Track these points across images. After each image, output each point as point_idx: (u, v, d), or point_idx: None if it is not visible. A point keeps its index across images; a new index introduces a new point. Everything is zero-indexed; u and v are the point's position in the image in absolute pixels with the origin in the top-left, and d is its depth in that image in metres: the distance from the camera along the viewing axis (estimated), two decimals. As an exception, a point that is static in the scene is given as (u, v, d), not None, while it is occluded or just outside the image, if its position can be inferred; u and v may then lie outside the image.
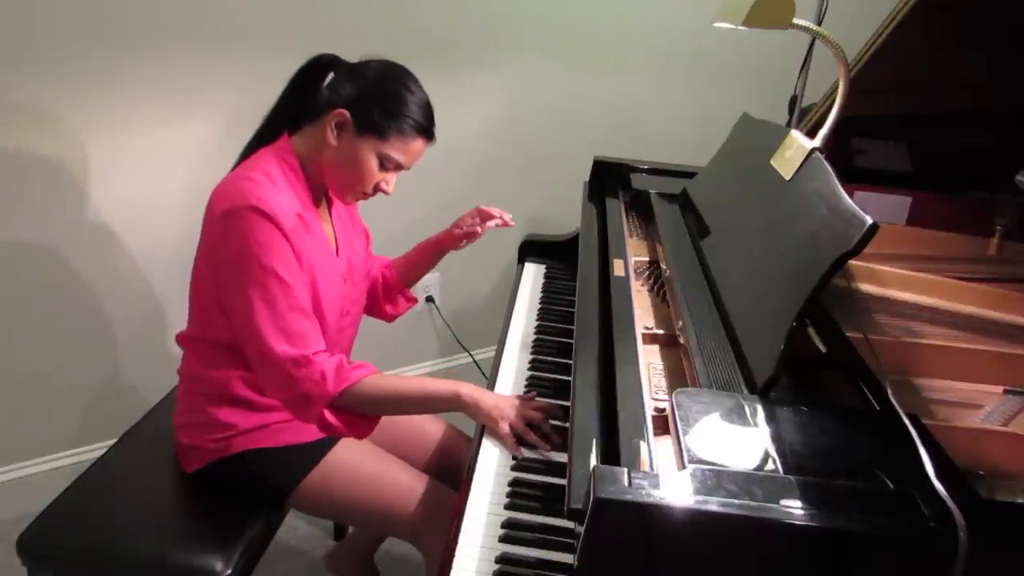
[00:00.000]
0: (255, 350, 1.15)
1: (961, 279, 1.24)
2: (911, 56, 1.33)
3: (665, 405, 0.93)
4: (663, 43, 2.47)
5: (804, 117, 1.63)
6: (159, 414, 1.49)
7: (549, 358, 1.40)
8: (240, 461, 1.27)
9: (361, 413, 1.22)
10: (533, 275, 1.76)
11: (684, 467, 0.74)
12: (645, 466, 0.83)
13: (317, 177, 1.26)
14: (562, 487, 0.92)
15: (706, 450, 0.77)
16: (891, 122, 1.55)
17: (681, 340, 1.07)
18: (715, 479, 0.72)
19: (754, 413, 0.84)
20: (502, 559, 0.95)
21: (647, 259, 1.47)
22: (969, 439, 0.88)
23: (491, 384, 1.32)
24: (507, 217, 1.52)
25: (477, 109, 2.27)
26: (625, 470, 0.72)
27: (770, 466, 0.76)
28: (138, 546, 1.21)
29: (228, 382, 1.25)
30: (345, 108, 1.19)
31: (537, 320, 1.54)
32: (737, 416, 0.83)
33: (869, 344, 1.00)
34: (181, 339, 1.32)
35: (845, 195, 0.94)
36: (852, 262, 1.19)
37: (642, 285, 1.36)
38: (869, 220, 0.84)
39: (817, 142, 1.14)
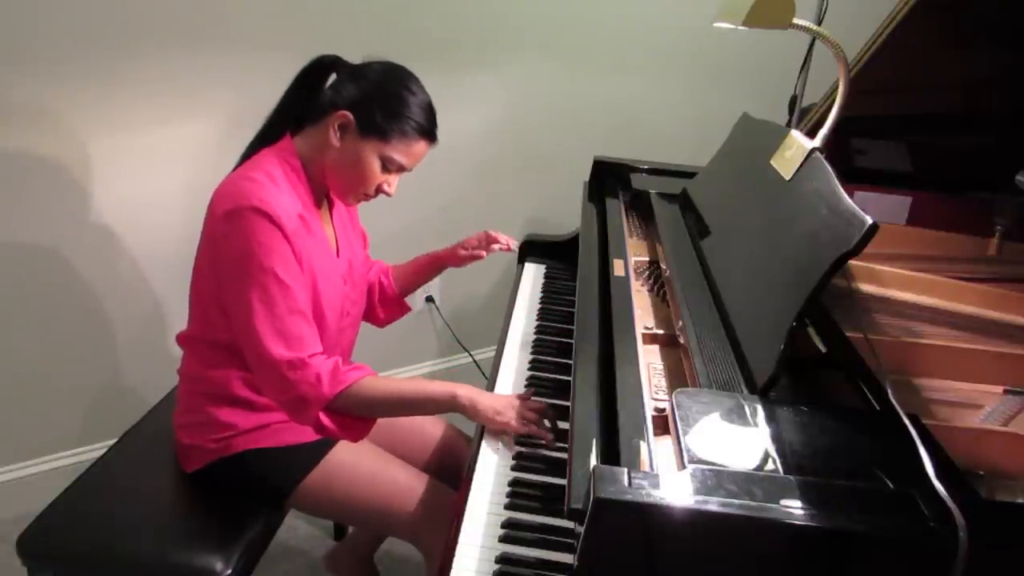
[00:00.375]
0: (252, 351, 1.15)
1: (961, 279, 1.24)
2: (911, 56, 1.33)
3: (665, 405, 0.93)
4: (663, 43, 2.47)
5: (804, 117, 1.63)
6: (159, 414, 1.49)
7: (549, 358, 1.40)
8: (240, 461, 1.27)
9: (357, 415, 1.22)
10: (533, 275, 1.76)
11: (684, 467, 0.74)
12: (645, 466, 0.83)
13: (319, 178, 1.26)
14: (562, 487, 0.92)
15: (706, 450, 0.77)
16: (891, 122, 1.55)
17: (681, 340, 1.07)
18: (715, 479, 0.72)
19: (754, 413, 0.84)
20: (502, 559, 0.95)
21: (647, 259, 1.47)
22: (969, 439, 0.88)
23: (491, 384, 1.32)
24: (513, 244, 1.55)
25: (477, 109, 2.27)
26: (625, 470, 0.72)
27: (770, 466, 0.76)
28: (138, 546, 1.21)
29: (228, 382, 1.25)
30: (347, 109, 1.19)
31: (537, 320, 1.54)
32: (737, 416, 0.83)
33: (869, 344, 1.00)
34: (181, 339, 1.32)
35: (845, 195, 0.94)
36: (852, 262, 1.19)
37: (642, 285, 1.36)
38: (869, 220, 0.84)
39: (817, 142, 1.14)
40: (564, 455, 1.10)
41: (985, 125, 1.50)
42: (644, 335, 1.15)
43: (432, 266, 1.56)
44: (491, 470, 1.10)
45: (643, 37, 2.42)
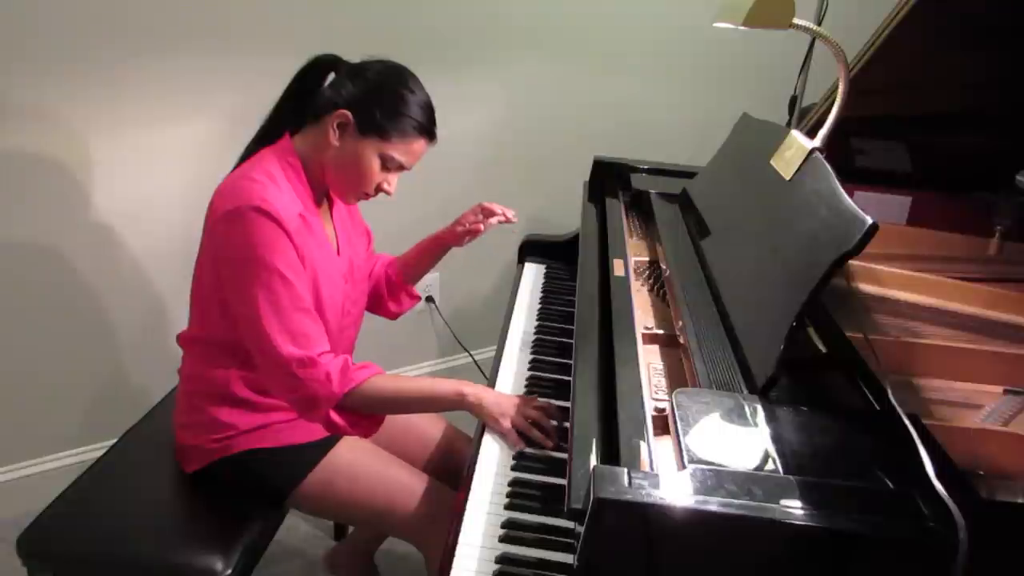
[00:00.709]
0: (260, 351, 1.15)
1: (961, 279, 1.24)
2: (911, 56, 1.33)
3: (665, 405, 0.93)
4: (663, 43, 2.47)
5: (804, 117, 1.63)
6: (159, 414, 1.49)
7: (549, 358, 1.40)
8: (240, 461, 1.27)
9: (366, 413, 1.22)
10: (533, 275, 1.76)
11: (684, 467, 0.74)
12: (645, 466, 0.83)
13: (319, 177, 1.26)
14: (562, 487, 0.92)
15: (706, 450, 0.77)
16: (891, 122, 1.55)
17: (681, 340, 1.07)
18: (715, 479, 0.72)
19: (754, 413, 0.84)
20: (502, 559, 0.95)
21: (647, 259, 1.47)
22: (969, 439, 0.88)
23: (491, 384, 1.32)
24: (510, 213, 1.51)
25: (478, 109, 2.27)
26: (625, 470, 0.72)
27: (770, 466, 0.76)
28: (138, 546, 1.21)
29: (228, 382, 1.25)
30: (347, 109, 1.19)
31: (537, 320, 1.54)
32: (737, 416, 0.83)
33: (869, 344, 1.00)
34: (182, 339, 1.32)
35: (845, 195, 0.94)
36: (852, 262, 1.19)
37: (642, 285, 1.36)
38: (869, 220, 0.84)
39: (817, 142, 1.14)
40: (564, 455, 1.10)
41: (985, 125, 1.50)
42: (644, 335, 1.15)
43: (433, 248, 1.55)
44: (491, 470, 1.10)
45: (643, 37, 2.42)
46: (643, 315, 1.22)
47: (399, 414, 1.36)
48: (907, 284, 1.25)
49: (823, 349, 1.03)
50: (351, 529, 1.78)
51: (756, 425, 0.82)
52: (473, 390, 1.20)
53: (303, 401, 1.16)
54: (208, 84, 1.82)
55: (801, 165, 1.10)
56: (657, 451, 0.85)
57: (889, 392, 0.85)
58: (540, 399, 1.22)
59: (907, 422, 0.78)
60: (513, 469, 1.11)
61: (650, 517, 0.70)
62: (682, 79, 2.56)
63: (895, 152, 1.61)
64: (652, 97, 2.54)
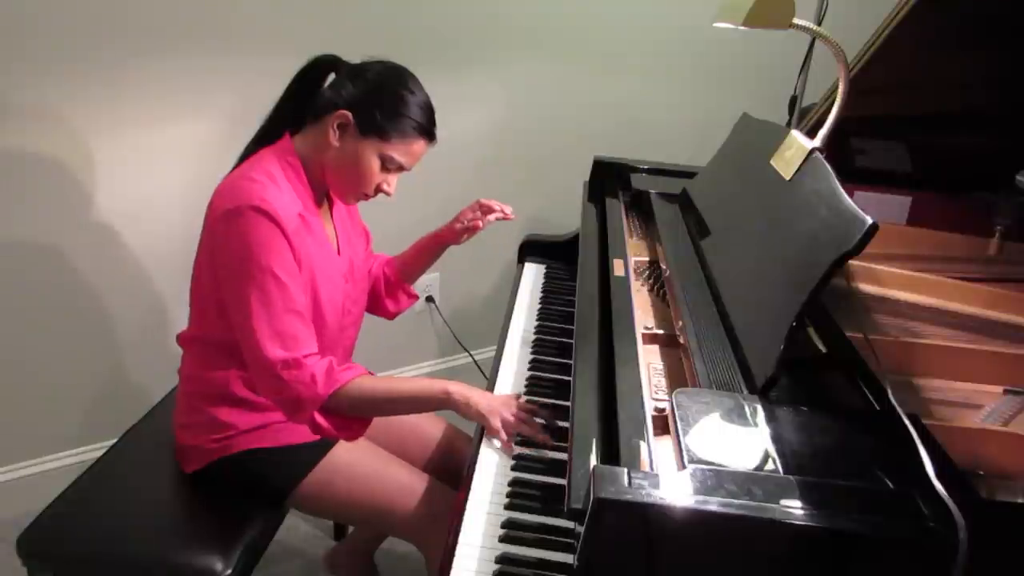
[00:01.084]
0: (249, 351, 1.15)
1: (961, 279, 1.24)
2: (911, 56, 1.33)
3: (665, 405, 0.93)
4: (663, 43, 2.47)
5: (804, 117, 1.63)
6: (159, 414, 1.49)
7: (549, 358, 1.40)
8: (240, 461, 1.27)
9: (353, 415, 1.22)
10: (533, 275, 1.76)
11: (684, 467, 0.74)
12: (645, 466, 0.83)
13: (318, 177, 1.26)
14: (562, 487, 0.92)
15: (706, 450, 0.77)
16: (891, 122, 1.55)
17: (681, 340, 1.07)
18: (715, 479, 0.72)
19: (754, 413, 0.84)
20: (502, 559, 0.95)
21: (647, 259, 1.47)
22: (969, 439, 0.88)
23: (491, 384, 1.32)
24: (508, 210, 1.50)
25: (477, 109, 2.27)
26: (625, 470, 0.72)
27: (770, 466, 0.76)
28: (138, 546, 1.21)
29: (228, 382, 1.25)
30: (347, 109, 1.19)
31: (537, 320, 1.54)
32: (737, 416, 0.83)
33: (869, 344, 1.00)
34: (181, 339, 1.33)
35: (845, 195, 0.94)
36: (852, 262, 1.19)
37: (642, 285, 1.36)
38: (869, 220, 0.84)
39: (817, 142, 1.14)
40: (564, 455, 1.10)
41: (985, 125, 1.50)
42: (644, 335, 1.15)
43: (432, 246, 1.54)
44: (491, 470, 1.10)
45: (643, 37, 2.42)
46: (643, 315, 1.22)
47: (386, 415, 1.36)
48: (907, 284, 1.25)
49: (823, 349, 1.03)
50: (351, 529, 1.78)
51: (756, 425, 0.82)
52: (459, 389, 1.20)
53: (288, 402, 1.16)
54: (208, 84, 1.82)
55: (801, 165, 1.10)
56: (657, 451, 0.85)
57: (889, 392, 0.85)
58: (529, 398, 1.22)
59: (907, 422, 0.78)
60: (513, 469, 1.11)
61: (650, 517, 0.70)
62: (682, 79, 2.56)
63: (895, 152, 1.61)
64: (652, 97, 2.54)
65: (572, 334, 1.28)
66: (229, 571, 1.18)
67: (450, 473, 1.40)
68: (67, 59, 1.63)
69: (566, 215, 2.05)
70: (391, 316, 1.59)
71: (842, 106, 1.18)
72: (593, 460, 0.91)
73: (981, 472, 0.86)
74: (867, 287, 1.25)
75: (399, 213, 1.92)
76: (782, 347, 0.86)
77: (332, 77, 1.26)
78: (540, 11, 2.23)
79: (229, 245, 1.14)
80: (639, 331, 1.15)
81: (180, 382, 1.35)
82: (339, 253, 1.32)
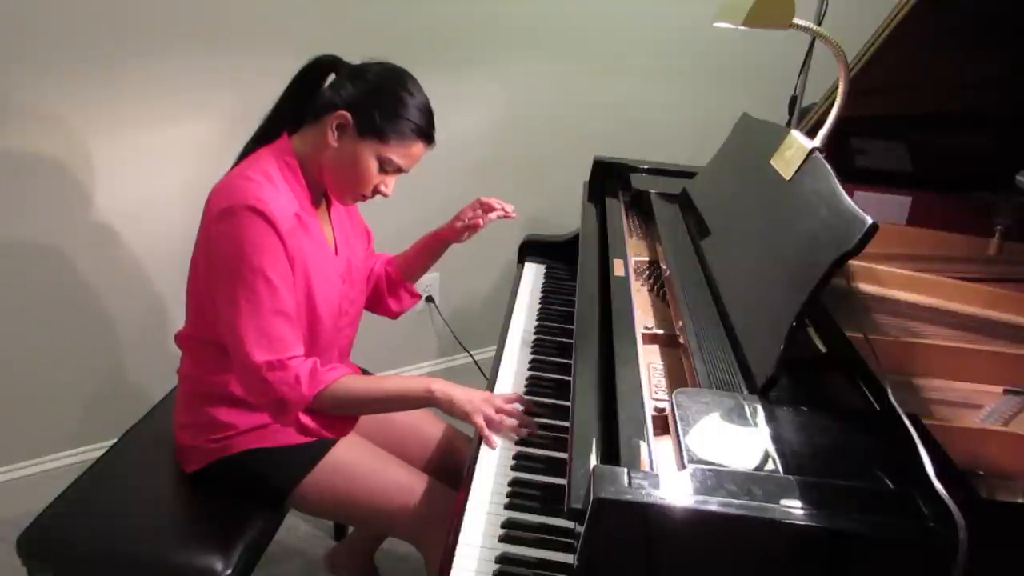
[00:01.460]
0: (235, 351, 1.15)
1: (961, 279, 1.24)
2: (911, 56, 1.33)
3: (665, 405, 0.93)
4: (663, 43, 2.47)
5: (804, 117, 1.63)
6: (159, 414, 1.49)
7: (549, 358, 1.40)
8: (240, 461, 1.27)
9: (338, 414, 1.23)
10: (533, 275, 1.76)
11: (684, 467, 0.74)
12: (645, 466, 0.83)
13: (316, 177, 1.26)
14: (562, 487, 0.92)
15: (706, 450, 0.77)
16: (891, 122, 1.55)
17: (681, 340, 1.07)
18: (715, 479, 0.72)
19: (754, 413, 0.84)
20: (502, 559, 0.95)
21: (647, 259, 1.47)
22: (969, 439, 0.88)
23: (491, 384, 1.32)
24: (509, 208, 1.49)
25: (477, 109, 2.27)
26: (625, 470, 0.72)
27: (770, 466, 0.76)
28: (138, 546, 1.21)
29: (227, 382, 1.25)
30: (346, 110, 1.19)
31: (537, 320, 1.54)
32: (737, 416, 0.83)
33: (869, 344, 1.00)
34: (179, 338, 1.33)
35: (845, 195, 0.94)
36: (852, 262, 1.19)
37: (642, 285, 1.36)
38: (869, 220, 0.84)
39: (817, 142, 1.14)
40: (564, 455, 1.10)
41: (985, 125, 1.50)
42: (644, 335, 1.15)
43: (432, 244, 1.54)
44: (491, 470, 1.10)
45: (643, 37, 2.42)
46: (643, 315, 1.22)
47: (370, 414, 1.37)
48: (907, 284, 1.25)
49: (823, 349, 1.03)
50: (351, 529, 1.78)
51: (756, 425, 0.82)
52: (441, 387, 1.20)
53: (273, 403, 1.17)
54: (208, 84, 1.81)
55: (801, 165, 1.10)
56: (657, 451, 0.85)
57: (889, 392, 0.85)
58: (510, 392, 1.23)
59: (907, 422, 0.78)
60: (513, 469, 1.11)
61: (650, 517, 0.70)
62: (682, 79, 2.56)
63: (895, 152, 1.61)
64: (652, 97, 2.54)
65: (572, 334, 1.28)
66: (229, 571, 1.18)
67: (450, 473, 1.40)
68: (67, 59, 1.63)
69: (566, 215, 2.05)
70: (394, 315, 1.59)
71: (842, 106, 1.18)
72: (593, 460, 0.91)
73: (981, 472, 0.86)
74: (867, 287, 1.25)
75: (399, 213, 1.93)
76: (782, 347, 0.86)
77: (332, 77, 1.26)
78: (540, 11, 2.23)
79: (222, 244, 1.14)
80: (639, 331, 1.15)
81: (179, 382, 1.35)
82: (336, 253, 1.32)
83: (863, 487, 0.74)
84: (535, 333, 1.49)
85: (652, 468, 0.82)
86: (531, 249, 1.85)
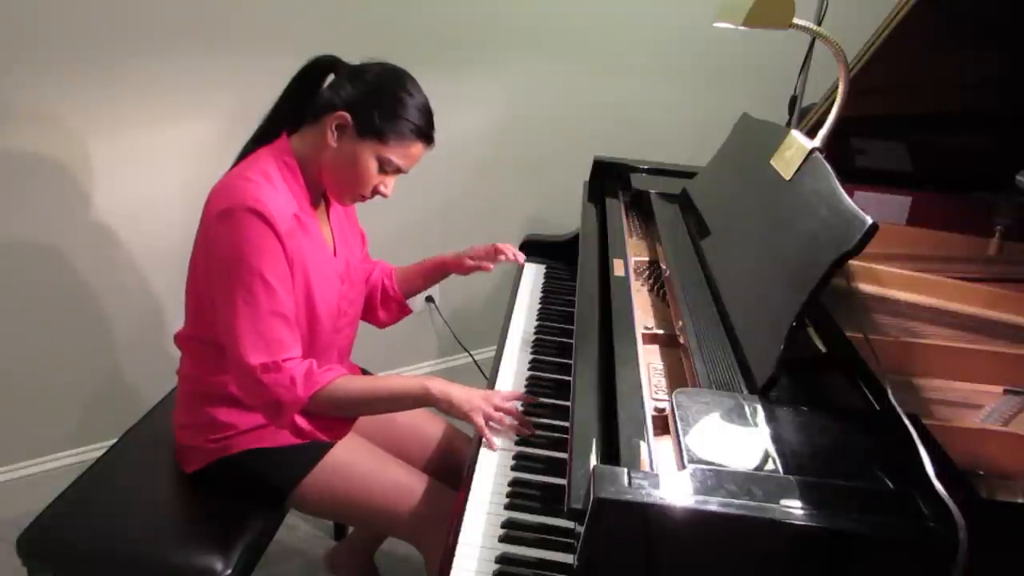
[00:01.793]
0: (231, 353, 1.15)
1: (961, 279, 1.24)
2: (911, 56, 1.33)
3: (665, 405, 0.93)
4: (663, 43, 2.47)
5: (804, 117, 1.63)
6: (159, 414, 1.49)
7: (549, 358, 1.40)
8: (239, 461, 1.27)
9: (334, 416, 1.23)
10: (533, 275, 1.76)
11: (684, 467, 0.74)
12: (645, 466, 0.83)
13: (315, 178, 1.26)
14: (562, 487, 0.92)
15: (706, 450, 0.77)
16: (891, 122, 1.55)
17: (681, 340, 1.07)
18: (715, 479, 0.72)
19: (754, 413, 0.84)
20: (502, 559, 0.95)
21: (647, 259, 1.47)
22: (969, 439, 0.88)
23: (491, 384, 1.32)
24: (521, 258, 1.51)
25: (477, 109, 2.27)
26: (625, 470, 0.73)
27: (770, 466, 0.76)
28: (138, 546, 1.21)
29: (227, 383, 1.25)
30: (345, 110, 1.19)
31: (537, 320, 1.54)
32: (737, 416, 0.83)
33: (869, 344, 1.00)
34: (179, 339, 1.32)
35: (845, 195, 0.94)
36: (852, 262, 1.19)
37: (642, 285, 1.36)
38: (869, 220, 0.84)
39: (817, 142, 1.14)
40: (564, 455, 1.10)
41: (985, 125, 1.50)
42: (644, 335, 1.15)
43: (436, 271, 1.55)
44: (491, 470, 1.10)
45: (643, 37, 2.42)
46: (643, 315, 1.22)
47: (367, 415, 1.37)
48: (907, 284, 1.25)
49: (823, 349, 1.03)
50: (351, 529, 1.78)
51: (756, 425, 0.82)
52: (439, 386, 1.20)
53: (269, 405, 1.17)
54: (208, 84, 1.81)
55: (801, 165, 1.10)
56: (657, 451, 0.85)
57: (889, 392, 0.85)
58: (509, 391, 1.24)
59: (907, 422, 0.78)
60: (513, 469, 1.11)
61: (650, 517, 0.70)
62: (682, 79, 2.56)
63: (895, 152, 1.61)
64: (652, 97, 2.54)
65: (572, 334, 1.28)
66: (229, 571, 1.18)
67: (449, 473, 1.40)
68: (67, 59, 1.63)
69: (566, 215, 2.05)
70: (382, 326, 1.58)
71: (842, 106, 1.18)
72: (593, 460, 0.91)
73: (981, 472, 0.86)
74: (867, 287, 1.25)
75: (399, 213, 1.93)
76: (782, 347, 0.86)
77: (331, 78, 1.25)
78: (540, 11, 2.23)
79: (221, 245, 1.14)
80: (639, 331, 1.15)
81: (179, 382, 1.35)
82: (335, 254, 1.32)
83: (863, 487, 0.74)
84: (535, 333, 1.49)
85: (652, 468, 0.82)
86: (531, 249, 1.85)
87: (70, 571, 1.24)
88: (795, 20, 1.14)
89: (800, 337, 1.03)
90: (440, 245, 1.61)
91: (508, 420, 1.17)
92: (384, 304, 1.55)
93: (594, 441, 0.94)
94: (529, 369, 1.37)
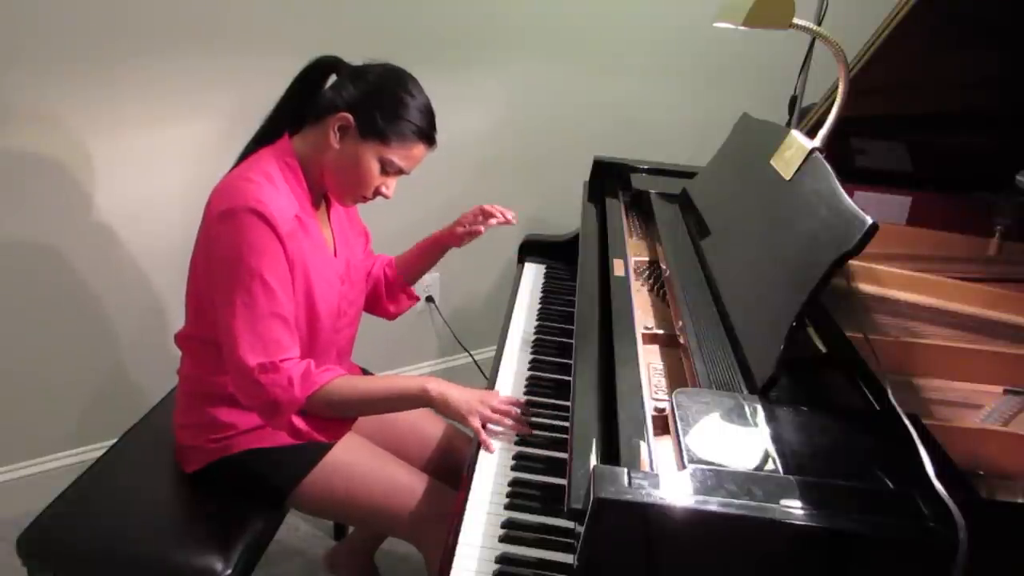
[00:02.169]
0: (229, 353, 1.15)
1: (961, 279, 1.24)
2: (911, 56, 1.33)
3: (665, 405, 0.93)
4: (663, 43, 2.47)
5: (804, 117, 1.63)
6: (159, 414, 1.49)
7: (549, 358, 1.40)
8: (240, 461, 1.27)
9: (332, 416, 1.22)
10: (533, 275, 1.76)
11: (684, 467, 0.74)
12: (645, 466, 0.83)
13: (317, 178, 1.26)
14: (562, 487, 0.92)
15: (706, 450, 0.77)
16: (891, 122, 1.55)
17: (681, 340, 1.07)
18: (715, 479, 0.72)
19: (754, 413, 0.84)
20: (502, 559, 0.95)
21: (647, 259, 1.47)
22: (969, 439, 0.88)
23: (491, 384, 1.32)
24: (510, 215, 1.51)
25: (477, 109, 2.27)
26: (625, 470, 0.72)
27: (770, 466, 0.76)
28: (138, 546, 1.21)
29: (227, 383, 1.25)
30: (348, 111, 1.19)
31: (537, 320, 1.54)
32: (737, 416, 0.83)
33: (869, 344, 1.00)
34: (179, 339, 1.33)
35: (845, 195, 0.94)
36: (852, 262, 1.19)
37: (642, 285, 1.36)
38: (869, 220, 0.84)
39: (817, 142, 1.14)
40: (564, 455, 1.10)
41: (985, 125, 1.50)
42: (644, 335, 1.15)
43: (432, 248, 1.55)
44: (491, 470, 1.10)
45: (643, 37, 2.42)
46: (643, 315, 1.22)
47: (365, 415, 1.37)
48: (907, 284, 1.25)
49: (823, 349, 1.03)
50: (351, 529, 1.78)
51: (756, 425, 0.82)
52: (437, 387, 1.20)
53: (266, 406, 1.17)
54: (208, 84, 1.81)
55: (801, 165, 1.10)
56: (657, 451, 0.85)
57: (889, 392, 0.85)
58: (507, 395, 1.24)
59: (907, 422, 0.78)
60: (513, 469, 1.11)
61: (650, 517, 0.70)
62: (682, 79, 2.56)
63: (895, 152, 1.61)
64: (652, 97, 2.54)
65: (572, 334, 1.28)
66: (229, 571, 1.18)
67: (449, 473, 1.40)
68: (67, 59, 1.63)
69: (566, 215, 2.05)
70: (391, 317, 1.59)
71: (842, 106, 1.18)
72: (593, 460, 0.91)
73: (981, 472, 0.86)
74: (867, 287, 1.25)
75: (399, 213, 1.92)
76: (782, 347, 0.86)
77: (333, 78, 1.25)
78: (539, 11, 2.23)
79: (222, 246, 1.14)
80: (639, 331, 1.15)
81: (179, 382, 1.35)
82: (336, 255, 1.32)
83: (863, 487, 0.74)
84: (535, 333, 1.49)
85: (652, 468, 0.82)
86: (531, 249, 1.85)
87: (70, 571, 1.24)
88: (795, 20, 1.14)
89: (800, 337, 1.03)
90: (440, 245, 1.61)
91: (506, 421, 1.17)
92: (390, 295, 1.56)
93: (594, 441, 0.94)
94: (529, 369, 1.37)
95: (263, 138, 1.27)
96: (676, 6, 2.39)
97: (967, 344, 1.08)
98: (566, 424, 1.12)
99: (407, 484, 1.28)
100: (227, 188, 1.18)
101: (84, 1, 1.61)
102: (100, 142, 1.74)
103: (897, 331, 1.12)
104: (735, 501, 0.69)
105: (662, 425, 0.92)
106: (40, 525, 1.22)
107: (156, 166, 1.82)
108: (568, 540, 0.97)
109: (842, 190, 0.96)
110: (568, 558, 0.95)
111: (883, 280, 1.26)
